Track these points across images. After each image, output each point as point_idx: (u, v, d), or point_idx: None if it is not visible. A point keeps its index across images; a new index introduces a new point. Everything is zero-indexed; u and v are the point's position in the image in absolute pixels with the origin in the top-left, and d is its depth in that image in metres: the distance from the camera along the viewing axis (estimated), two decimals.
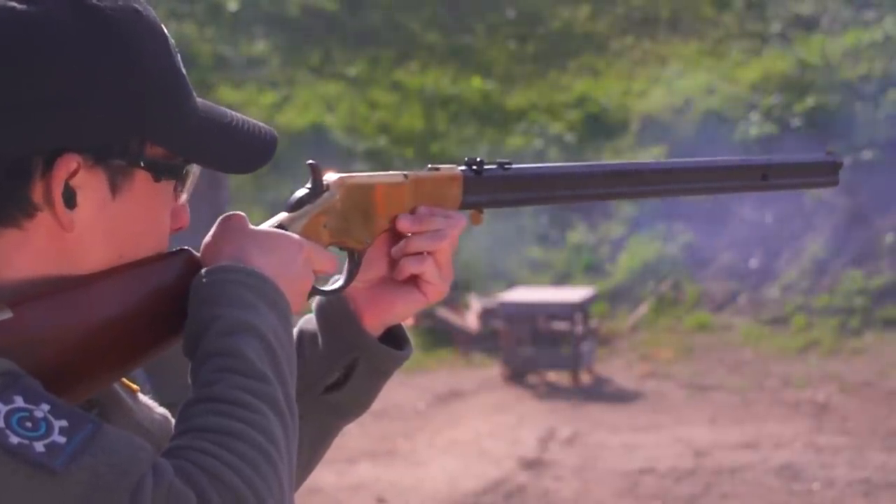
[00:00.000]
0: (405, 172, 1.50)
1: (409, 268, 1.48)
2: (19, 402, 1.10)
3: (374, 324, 1.50)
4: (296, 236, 1.36)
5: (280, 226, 1.39)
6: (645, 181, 1.65)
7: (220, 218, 1.33)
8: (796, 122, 14.29)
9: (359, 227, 1.46)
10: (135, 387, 1.40)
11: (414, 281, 1.49)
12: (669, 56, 16.62)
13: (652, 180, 1.65)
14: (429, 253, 1.48)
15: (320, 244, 1.41)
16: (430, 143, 15.46)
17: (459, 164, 1.55)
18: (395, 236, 1.50)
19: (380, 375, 1.51)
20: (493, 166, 1.55)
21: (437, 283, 1.49)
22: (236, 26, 17.10)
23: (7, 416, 1.09)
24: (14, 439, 1.08)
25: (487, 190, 1.54)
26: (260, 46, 16.97)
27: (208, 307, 1.23)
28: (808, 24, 16.15)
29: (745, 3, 17.06)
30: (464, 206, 1.53)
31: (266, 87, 16.20)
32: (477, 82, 16.63)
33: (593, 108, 15.83)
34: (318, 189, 1.43)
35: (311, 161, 1.45)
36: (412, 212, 1.49)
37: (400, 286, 1.50)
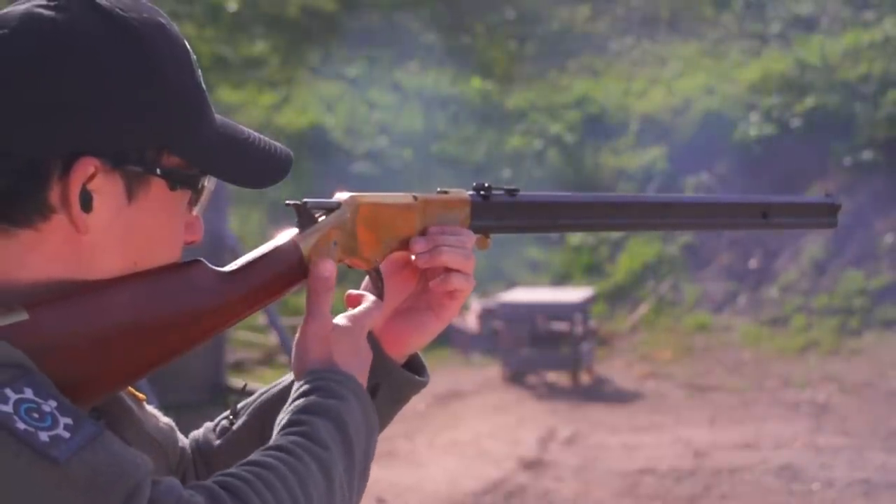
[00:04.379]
0: (415, 194, 1.52)
1: (453, 283, 1.51)
2: (29, 393, 1.13)
3: (394, 353, 1.53)
4: (362, 324, 1.41)
5: (291, 242, 1.40)
6: (647, 214, 1.69)
7: (304, 322, 1.39)
8: (796, 122, 14.30)
9: (368, 247, 1.47)
10: (141, 396, 1.42)
11: (439, 299, 1.52)
12: (669, 56, 16.62)
13: (654, 213, 1.69)
14: (459, 270, 1.51)
15: (330, 261, 1.43)
16: (430, 143, 15.46)
17: (467, 187, 1.57)
18: (407, 261, 1.53)
19: (399, 401, 1.56)
20: (501, 192, 1.57)
21: (461, 303, 1.54)
22: (236, 26, 17.10)
23: (16, 404, 1.11)
24: (21, 425, 1.10)
25: (494, 215, 1.57)
26: (259, 47, 16.97)
27: (298, 400, 1.31)
28: (807, 25, 16.16)
29: (745, 4, 17.06)
30: (471, 230, 1.55)
31: (265, 87, 16.20)
32: (477, 82, 16.64)
33: (593, 109, 15.84)
34: (310, 221, 1.43)
35: (304, 201, 1.44)
36: (423, 233, 1.51)
37: (415, 314, 1.52)
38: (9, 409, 1.10)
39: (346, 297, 1.48)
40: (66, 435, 1.11)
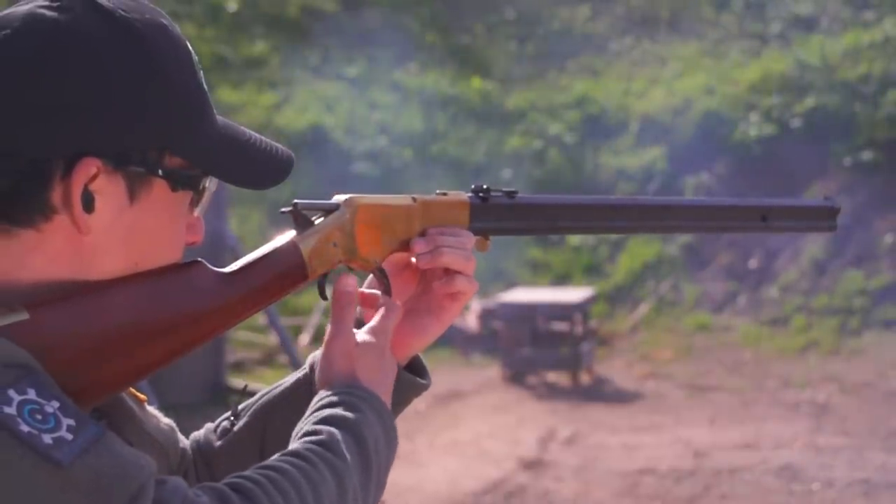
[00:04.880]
0: (413, 195, 1.52)
1: (457, 285, 1.51)
2: (32, 394, 1.13)
3: (396, 356, 1.52)
4: (385, 334, 1.42)
5: (290, 244, 1.40)
6: (646, 216, 1.69)
7: (328, 336, 1.40)
8: (796, 122, 14.30)
9: (367, 248, 1.47)
10: (142, 396, 1.42)
11: (440, 302, 1.52)
12: (669, 56, 16.62)
13: (653, 216, 1.69)
14: (461, 272, 1.51)
15: (329, 262, 1.43)
16: (430, 143, 15.46)
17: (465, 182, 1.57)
18: (407, 263, 1.53)
19: (400, 404, 1.55)
20: (500, 194, 1.57)
21: (462, 306, 1.54)
22: (236, 26, 17.10)
23: (19, 406, 1.11)
24: (24, 427, 1.10)
25: (493, 217, 1.57)
26: (259, 47, 16.97)
27: (319, 411, 1.32)
28: (807, 25, 16.15)
29: (745, 4, 17.06)
30: (470, 232, 1.55)
31: (265, 87, 16.20)
32: (477, 82, 16.64)
33: (593, 109, 15.84)
34: (307, 223, 1.43)
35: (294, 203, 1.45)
36: (422, 234, 1.51)
37: (415, 317, 1.52)
38: (12, 410, 1.10)
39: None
40: (69, 437, 1.11)
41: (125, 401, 1.37)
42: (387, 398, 1.39)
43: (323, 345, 1.41)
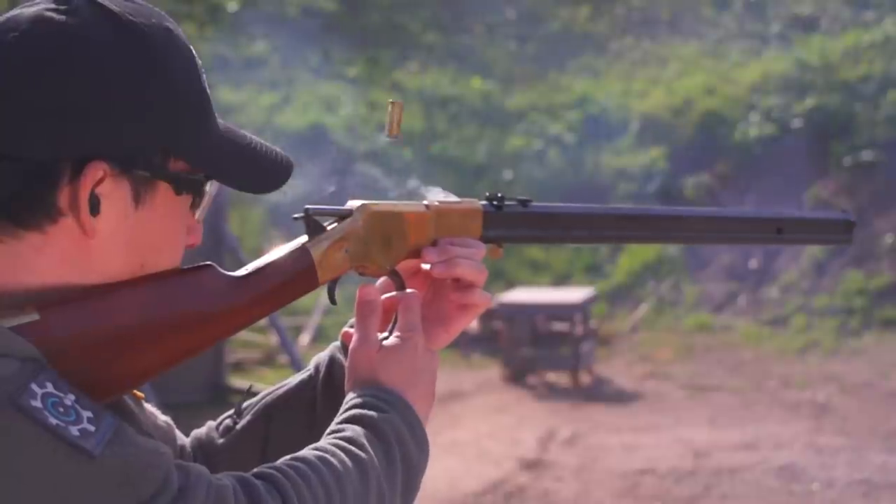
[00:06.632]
0: (426, 202, 1.52)
1: (474, 297, 1.52)
2: (50, 387, 1.14)
3: None
4: (413, 334, 1.42)
5: (302, 248, 1.41)
6: (661, 227, 1.68)
7: (353, 343, 1.42)
8: (796, 122, 14.30)
9: (379, 254, 1.47)
10: (140, 394, 1.42)
11: (449, 312, 1.53)
12: (669, 56, 16.62)
13: (668, 227, 1.68)
14: (474, 283, 1.51)
15: (340, 268, 1.44)
16: (430, 143, 15.46)
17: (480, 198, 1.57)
18: (417, 270, 1.53)
19: None
20: (514, 202, 1.57)
21: (473, 318, 1.55)
22: (236, 26, 17.11)
23: (43, 399, 1.12)
24: (52, 420, 1.11)
25: (507, 225, 1.57)
26: (260, 47, 16.97)
27: (343, 413, 1.35)
28: (807, 25, 16.16)
29: (745, 4, 17.07)
30: (483, 239, 1.55)
31: (266, 87, 16.20)
32: (477, 82, 16.64)
33: (593, 109, 15.84)
34: (319, 228, 1.44)
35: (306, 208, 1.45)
36: (434, 243, 1.51)
37: (424, 326, 1.51)
38: (38, 404, 1.11)
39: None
40: (92, 428, 1.12)
41: (123, 398, 1.37)
42: (420, 396, 1.40)
43: (348, 354, 1.43)
